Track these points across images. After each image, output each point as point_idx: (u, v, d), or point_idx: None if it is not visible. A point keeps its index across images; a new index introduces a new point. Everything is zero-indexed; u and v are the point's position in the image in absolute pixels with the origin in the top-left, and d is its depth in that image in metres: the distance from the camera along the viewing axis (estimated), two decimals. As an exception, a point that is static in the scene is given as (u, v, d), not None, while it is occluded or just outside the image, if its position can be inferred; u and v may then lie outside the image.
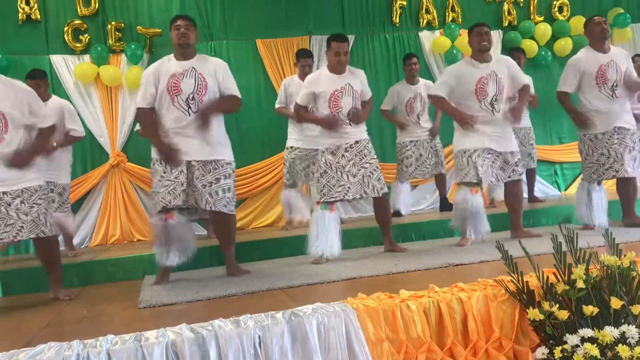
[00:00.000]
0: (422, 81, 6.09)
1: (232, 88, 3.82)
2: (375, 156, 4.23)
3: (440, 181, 6.18)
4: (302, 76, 5.36)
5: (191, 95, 3.65)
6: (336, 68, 4.18)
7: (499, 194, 5.83)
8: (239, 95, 3.86)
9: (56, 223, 4.88)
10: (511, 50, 6.50)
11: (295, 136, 5.55)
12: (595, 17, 4.63)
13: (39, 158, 3.55)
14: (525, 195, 6.67)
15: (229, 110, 4.00)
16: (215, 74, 3.75)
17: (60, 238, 5.32)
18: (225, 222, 3.87)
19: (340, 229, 4.13)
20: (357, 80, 4.24)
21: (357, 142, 4.18)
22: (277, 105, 5.68)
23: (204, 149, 3.67)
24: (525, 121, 6.20)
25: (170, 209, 3.62)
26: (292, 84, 5.55)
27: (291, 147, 5.58)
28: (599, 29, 4.56)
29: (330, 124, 4.09)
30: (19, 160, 3.37)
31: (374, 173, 4.15)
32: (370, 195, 4.15)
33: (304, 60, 5.54)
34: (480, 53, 4.31)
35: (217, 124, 3.75)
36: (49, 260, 3.67)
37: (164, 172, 3.63)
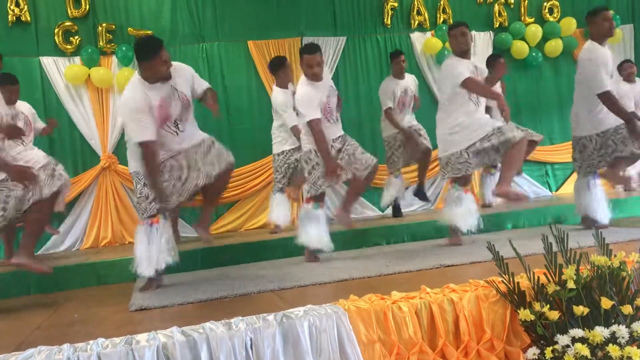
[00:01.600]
0: (408, 77, 6.09)
1: (205, 83, 3.80)
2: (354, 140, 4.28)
3: (423, 162, 6.06)
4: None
5: (179, 117, 3.60)
6: (316, 79, 4.13)
7: (489, 196, 5.85)
8: (209, 86, 3.84)
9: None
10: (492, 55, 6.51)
11: (279, 140, 5.59)
12: (604, 12, 4.53)
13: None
14: (530, 194, 6.74)
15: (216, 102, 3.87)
16: (190, 83, 3.68)
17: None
18: (225, 177, 3.80)
19: (327, 226, 4.18)
20: (330, 81, 4.27)
21: (339, 136, 4.21)
22: (292, 123, 5.43)
23: (193, 139, 3.67)
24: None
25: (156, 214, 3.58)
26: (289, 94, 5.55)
27: (286, 151, 5.56)
28: (609, 25, 4.50)
29: (332, 170, 4.06)
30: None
31: (357, 149, 4.19)
32: (361, 168, 4.13)
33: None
34: (464, 53, 4.36)
35: (194, 129, 3.75)
36: (39, 222, 3.78)
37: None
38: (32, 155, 4.25)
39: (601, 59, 4.38)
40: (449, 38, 4.43)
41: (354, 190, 4.34)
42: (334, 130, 4.18)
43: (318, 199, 4.15)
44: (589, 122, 4.51)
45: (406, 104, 5.98)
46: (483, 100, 4.35)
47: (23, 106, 5.01)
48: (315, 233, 4.11)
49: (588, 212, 4.56)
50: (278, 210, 5.66)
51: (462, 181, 4.32)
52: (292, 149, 5.54)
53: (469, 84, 4.21)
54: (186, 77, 3.67)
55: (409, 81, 6.03)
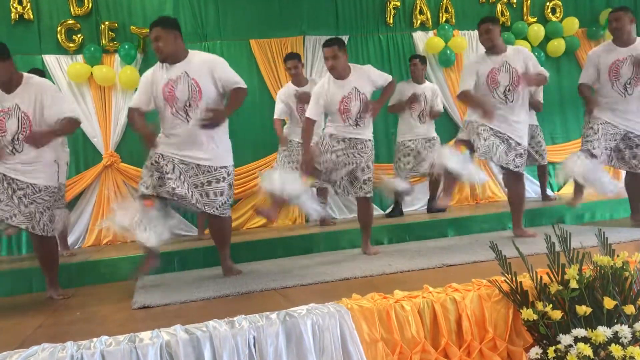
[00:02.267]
0: (428, 84, 6.16)
1: (233, 80, 3.68)
2: (372, 158, 4.22)
3: (434, 181, 6.19)
4: (295, 80, 5.67)
5: (188, 103, 3.59)
6: (334, 73, 4.13)
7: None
8: (244, 85, 3.72)
9: (58, 221, 4.98)
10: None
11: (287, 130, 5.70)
12: (610, 14, 4.57)
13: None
14: (532, 194, 6.75)
15: (239, 105, 3.77)
16: (211, 73, 3.63)
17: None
18: (218, 225, 3.85)
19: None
20: (364, 81, 4.14)
21: (357, 138, 4.16)
22: (278, 117, 5.78)
23: (197, 153, 3.63)
24: (531, 119, 6.23)
25: (150, 196, 3.60)
26: (288, 93, 5.67)
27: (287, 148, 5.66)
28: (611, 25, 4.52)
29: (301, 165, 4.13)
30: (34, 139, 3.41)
31: (365, 171, 4.15)
32: (352, 192, 4.20)
33: (290, 62, 5.63)
34: (493, 48, 4.31)
35: (217, 131, 3.65)
36: (46, 260, 3.68)
37: (151, 162, 3.66)
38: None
39: (591, 55, 4.62)
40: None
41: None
42: (348, 131, 4.13)
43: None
44: None
45: (417, 108, 6.00)
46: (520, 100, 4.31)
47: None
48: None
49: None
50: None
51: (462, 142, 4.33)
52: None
53: (460, 98, 4.42)
54: (207, 66, 3.64)
55: (427, 88, 6.07)
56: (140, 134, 3.64)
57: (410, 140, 5.99)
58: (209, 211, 3.69)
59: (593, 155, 4.38)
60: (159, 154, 3.63)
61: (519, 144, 4.29)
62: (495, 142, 4.20)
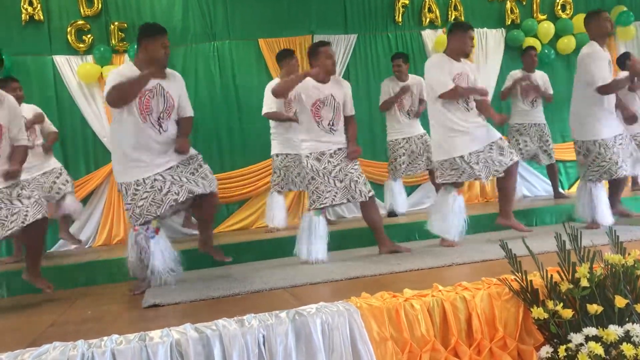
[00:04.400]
0: (411, 78, 6.07)
1: (189, 109, 3.85)
2: (358, 162, 4.25)
3: (434, 178, 6.13)
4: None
5: (161, 114, 3.64)
6: (319, 76, 4.18)
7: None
8: (192, 114, 3.89)
9: (64, 205, 5.09)
10: (525, 49, 6.49)
11: (284, 142, 5.57)
12: (603, 13, 4.56)
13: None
14: (542, 192, 6.72)
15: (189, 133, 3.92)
16: (179, 94, 3.76)
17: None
18: (214, 203, 3.89)
19: (327, 233, 4.15)
20: (341, 92, 4.24)
21: (340, 148, 4.20)
22: (265, 110, 5.62)
23: (176, 155, 3.70)
24: (538, 117, 6.21)
25: (152, 220, 3.62)
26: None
27: (284, 154, 5.57)
28: (610, 26, 4.53)
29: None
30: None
31: (360, 178, 4.17)
32: (358, 199, 4.16)
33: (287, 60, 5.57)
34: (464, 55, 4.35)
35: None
36: (37, 244, 3.74)
37: (137, 187, 3.60)
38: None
39: (600, 53, 4.47)
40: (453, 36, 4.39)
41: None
42: (327, 139, 4.18)
43: (317, 208, 4.15)
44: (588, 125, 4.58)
45: (405, 105, 5.96)
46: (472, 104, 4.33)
47: (25, 109, 5.00)
48: (310, 242, 4.09)
49: (587, 216, 4.58)
50: (272, 212, 5.67)
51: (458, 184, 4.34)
52: (283, 153, 5.57)
53: (450, 96, 4.29)
54: (177, 85, 3.77)
55: (411, 83, 5.99)
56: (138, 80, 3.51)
57: (404, 139, 5.94)
58: (213, 189, 3.73)
59: None
60: (140, 180, 3.61)
61: (501, 138, 4.31)
62: (486, 157, 4.21)
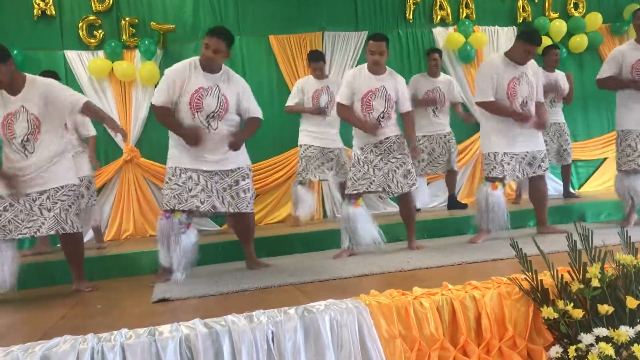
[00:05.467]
0: (443, 76, 6.09)
1: (254, 109, 3.88)
2: (405, 151, 4.22)
3: (450, 179, 6.16)
4: (315, 77, 5.61)
5: (212, 114, 3.67)
6: (372, 68, 4.17)
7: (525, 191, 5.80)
8: (261, 116, 3.94)
9: (91, 216, 5.08)
10: (547, 47, 6.43)
11: (310, 134, 5.62)
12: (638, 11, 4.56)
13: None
14: (554, 192, 6.67)
15: (253, 134, 3.95)
16: (238, 95, 3.78)
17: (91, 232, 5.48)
18: (246, 221, 3.96)
19: (370, 222, 4.14)
20: (394, 85, 4.19)
21: (387, 138, 4.18)
22: (288, 103, 5.69)
23: (222, 160, 3.73)
24: (558, 117, 6.17)
25: (185, 217, 3.67)
26: (307, 83, 5.64)
27: (306, 145, 5.62)
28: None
29: (371, 129, 4.08)
30: None
31: (400, 169, 4.16)
32: (394, 190, 4.16)
33: (314, 64, 5.63)
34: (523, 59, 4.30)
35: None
36: (72, 255, 3.74)
37: (172, 176, 3.67)
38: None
39: (616, 52, 4.60)
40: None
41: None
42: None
43: (353, 197, 4.15)
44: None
45: (430, 104, 5.95)
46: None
47: None
48: (347, 232, 4.12)
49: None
50: (298, 201, 5.71)
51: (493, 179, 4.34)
52: (306, 144, 5.63)
53: (485, 107, 4.38)
54: (237, 87, 3.81)
55: (442, 82, 6.00)
56: (182, 134, 3.63)
57: (424, 137, 5.93)
58: (240, 210, 3.78)
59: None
60: (181, 169, 3.67)
61: (539, 150, 4.38)
62: (518, 160, 4.33)
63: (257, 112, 3.90)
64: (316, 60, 5.64)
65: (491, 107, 4.28)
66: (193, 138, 3.59)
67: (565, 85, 6.15)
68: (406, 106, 4.25)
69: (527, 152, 4.34)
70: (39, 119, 3.48)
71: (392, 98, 4.14)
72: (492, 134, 4.34)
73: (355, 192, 4.12)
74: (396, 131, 4.21)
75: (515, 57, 4.26)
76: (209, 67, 3.69)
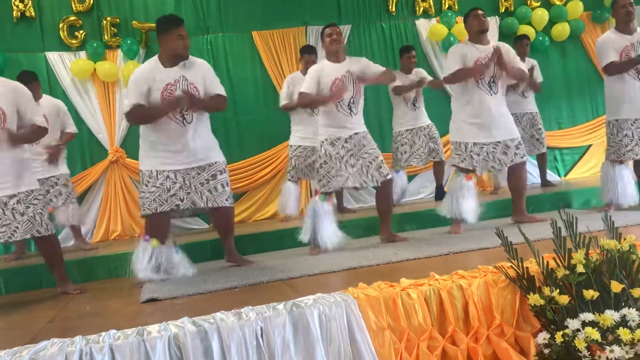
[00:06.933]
0: (415, 70, 6.10)
1: (218, 88, 3.83)
2: (374, 146, 4.23)
3: (438, 169, 6.19)
4: (306, 72, 5.47)
5: (185, 107, 3.64)
6: (332, 57, 4.20)
7: (503, 180, 5.83)
8: (225, 94, 3.88)
9: (71, 216, 5.09)
10: (518, 37, 6.45)
11: (299, 134, 5.62)
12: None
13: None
14: (536, 180, 6.71)
15: (217, 109, 3.91)
16: (204, 79, 3.76)
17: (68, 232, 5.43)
18: (225, 216, 3.94)
19: (335, 220, 4.13)
20: (358, 67, 4.19)
21: (356, 133, 4.19)
22: (282, 102, 5.68)
23: (197, 156, 3.72)
24: (530, 106, 6.19)
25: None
26: (295, 79, 5.61)
27: (296, 146, 5.64)
28: (624, 12, 4.52)
29: (338, 92, 4.06)
30: None
31: (373, 162, 4.16)
32: (370, 184, 4.18)
33: (307, 56, 5.61)
34: (480, 35, 4.35)
35: (205, 129, 3.82)
36: (50, 257, 3.70)
37: (150, 179, 3.67)
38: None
39: (606, 39, 4.58)
40: (465, 22, 4.50)
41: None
42: (346, 123, 4.17)
43: (327, 192, 4.15)
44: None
45: (410, 97, 5.98)
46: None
47: (45, 102, 5.00)
48: (317, 228, 4.07)
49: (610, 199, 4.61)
50: (285, 200, 5.72)
51: (467, 170, 4.36)
52: (296, 145, 5.63)
53: (452, 79, 4.40)
54: (201, 71, 3.77)
55: (415, 76, 6.01)
56: (165, 109, 3.59)
57: (407, 130, 5.99)
58: (219, 204, 3.75)
59: None
60: (157, 170, 3.66)
61: (512, 138, 4.37)
62: (489, 150, 4.32)
63: (222, 90, 3.86)
64: (310, 52, 5.66)
65: (458, 76, 4.28)
66: (175, 103, 3.56)
67: (536, 73, 6.18)
68: (379, 68, 4.25)
69: (499, 141, 4.33)
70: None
71: (359, 80, 4.15)
72: (462, 124, 4.37)
73: (331, 190, 4.12)
74: (364, 127, 4.25)
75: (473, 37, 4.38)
76: (180, 58, 3.68)
